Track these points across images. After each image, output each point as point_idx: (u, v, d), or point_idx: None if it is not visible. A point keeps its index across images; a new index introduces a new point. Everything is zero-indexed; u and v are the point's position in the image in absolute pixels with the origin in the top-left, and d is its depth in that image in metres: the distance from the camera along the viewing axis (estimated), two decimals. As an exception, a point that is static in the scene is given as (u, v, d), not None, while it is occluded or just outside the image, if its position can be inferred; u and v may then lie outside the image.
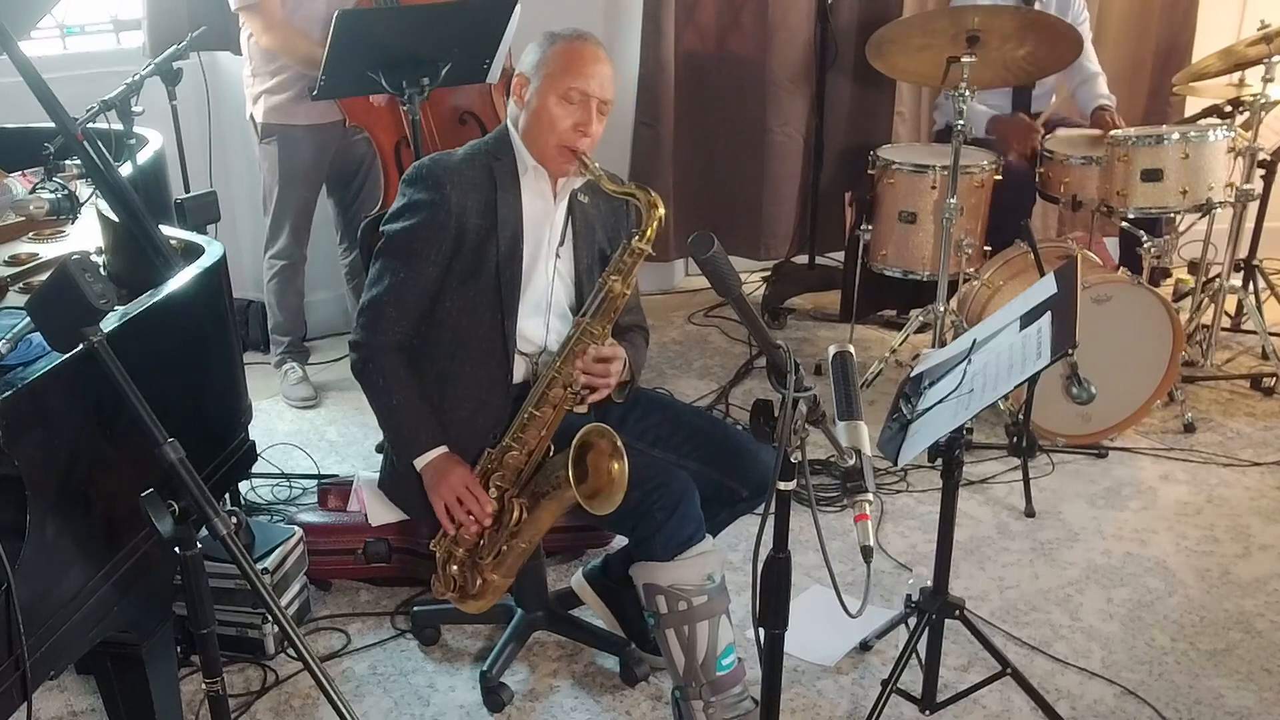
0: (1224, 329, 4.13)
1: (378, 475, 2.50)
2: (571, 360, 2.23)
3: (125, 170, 2.68)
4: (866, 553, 1.65)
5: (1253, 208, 3.86)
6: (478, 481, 2.27)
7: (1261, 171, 3.83)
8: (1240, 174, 3.68)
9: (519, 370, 2.35)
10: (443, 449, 2.29)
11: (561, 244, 2.35)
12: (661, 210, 2.20)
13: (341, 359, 4.13)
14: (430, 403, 2.30)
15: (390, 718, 2.45)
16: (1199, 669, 2.57)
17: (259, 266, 3.96)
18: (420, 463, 2.29)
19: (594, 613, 2.66)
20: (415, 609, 2.73)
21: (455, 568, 2.34)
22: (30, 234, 2.56)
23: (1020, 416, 3.31)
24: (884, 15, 4.29)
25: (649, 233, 2.19)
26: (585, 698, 2.51)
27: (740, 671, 2.27)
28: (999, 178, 3.77)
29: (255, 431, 2.46)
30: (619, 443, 2.16)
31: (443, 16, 3.23)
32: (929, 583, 2.28)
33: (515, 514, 2.25)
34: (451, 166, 2.26)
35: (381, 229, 2.31)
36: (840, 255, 4.39)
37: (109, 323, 1.82)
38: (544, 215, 2.32)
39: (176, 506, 1.60)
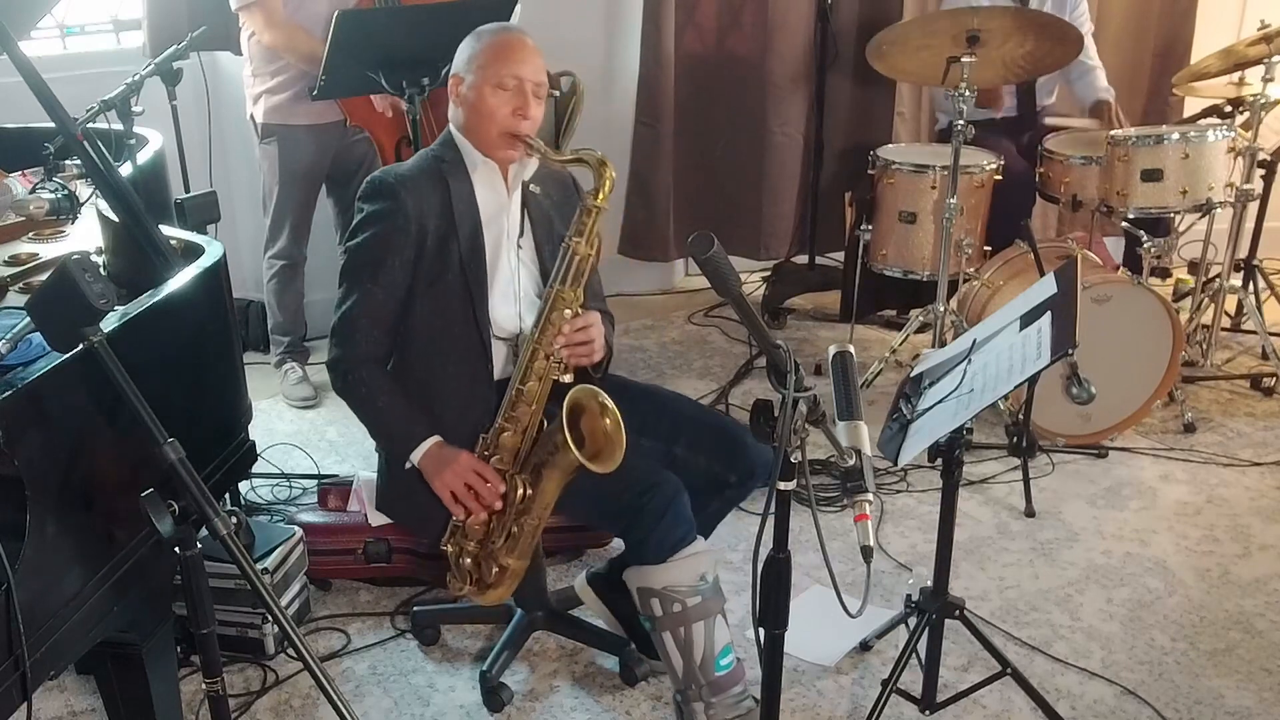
0: (1224, 329, 4.12)
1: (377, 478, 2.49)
2: (549, 330, 2.26)
3: (125, 170, 2.68)
4: (866, 553, 1.65)
5: (1253, 208, 3.86)
6: (483, 461, 2.28)
7: (1261, 171, 3.82)
8: (1240, 174, 3.67)
9: (499, 359, 2.36)
10: (437, 438, 2.29)
11: (521, 235, 2.38)
12: (613, 170, 2.26)
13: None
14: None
15: (390, 718, 2.45)
16: (1199, 669, 2.57)
17: (259, 266, 3.96)
18: (418, 455, 2.28)
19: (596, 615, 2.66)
20: (415, 609, 2.73)
21: (469, 560, 2.34)
22: (30, 234, 2.56)
23: (1020, 416, 3.31)
24: (884, 16, 4.29)
25: (604, 190, 2.25)
26: (585, 698, 2.51)
27: (740, 671, 2.27)
28: (999, 178, 3.77)
29: (255, 431, 2.46)
30: (607, 401, 2.18)
31: (443, 16, 3.22)
32: (929, 583, 2.28)
33: (520, 491, 2.26)
34: (403, 175, 2.31)
35: (343, 247, 2.34)
36: (840, 255, 4.39)
37: (109, 323, 1.82)
38: (500, 208, 2.36)
39: (176, 506, 1.61)
